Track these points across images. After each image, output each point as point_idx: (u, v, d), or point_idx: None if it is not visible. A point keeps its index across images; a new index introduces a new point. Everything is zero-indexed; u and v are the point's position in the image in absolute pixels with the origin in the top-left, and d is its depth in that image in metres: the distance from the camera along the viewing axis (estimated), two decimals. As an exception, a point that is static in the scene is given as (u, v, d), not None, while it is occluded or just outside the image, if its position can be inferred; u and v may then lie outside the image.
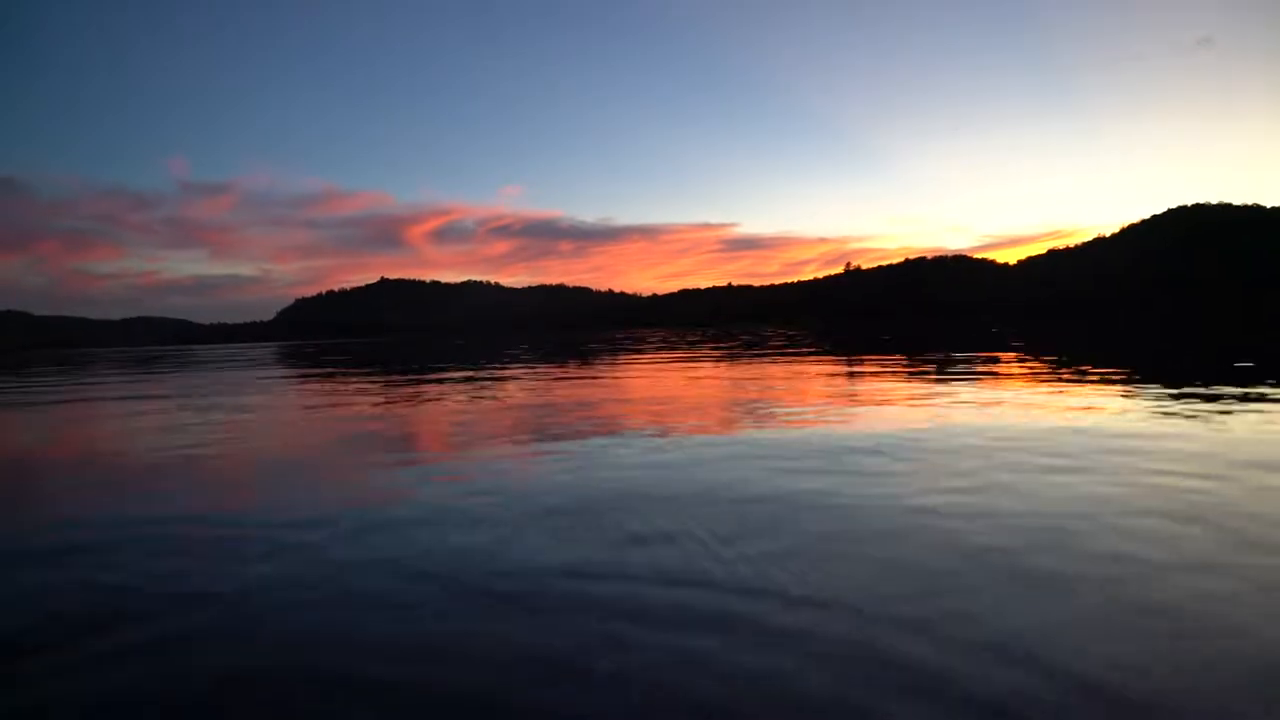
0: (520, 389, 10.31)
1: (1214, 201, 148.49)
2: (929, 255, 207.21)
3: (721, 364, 14.79)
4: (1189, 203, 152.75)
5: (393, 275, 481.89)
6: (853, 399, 7.53)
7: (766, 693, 1.73)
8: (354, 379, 14.33)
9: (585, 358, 19.86)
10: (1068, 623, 2.03)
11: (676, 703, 1.70)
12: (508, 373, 14.26)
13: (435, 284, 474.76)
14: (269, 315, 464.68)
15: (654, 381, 11.03)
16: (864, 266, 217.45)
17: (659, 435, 5.52)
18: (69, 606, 2.43)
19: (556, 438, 5.56)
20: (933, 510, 3.16)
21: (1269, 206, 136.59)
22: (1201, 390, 6.99)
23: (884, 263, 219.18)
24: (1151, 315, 51.18)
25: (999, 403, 6.73)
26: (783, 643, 1.96)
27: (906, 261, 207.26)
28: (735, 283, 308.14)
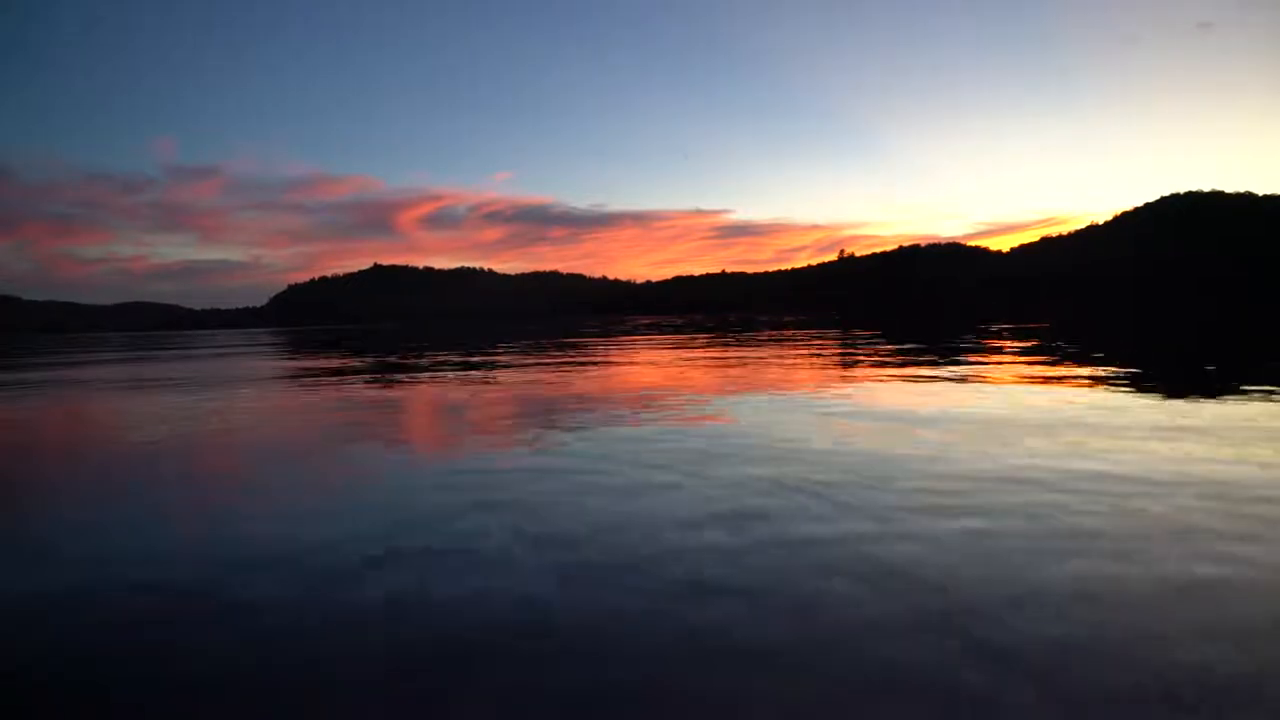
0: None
1: (1207, 189, 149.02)
2: (923, 242, 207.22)
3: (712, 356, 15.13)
4: (1182, 190, 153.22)
5: (385, 261, 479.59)
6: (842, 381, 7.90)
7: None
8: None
9: (611, 350, 20.16)
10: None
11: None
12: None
13: (429, 270, 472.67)
14: (261, 301, 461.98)
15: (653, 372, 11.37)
16: (858, 254, 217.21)
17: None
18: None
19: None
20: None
21: (1261, 194, 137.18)
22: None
23: (878, 250, 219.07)
24: (1145, 303, 51.71)
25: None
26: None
27: (901, 249, 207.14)
28: (729, 269, 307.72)
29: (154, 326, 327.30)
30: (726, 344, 17.38)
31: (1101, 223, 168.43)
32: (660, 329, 34.27)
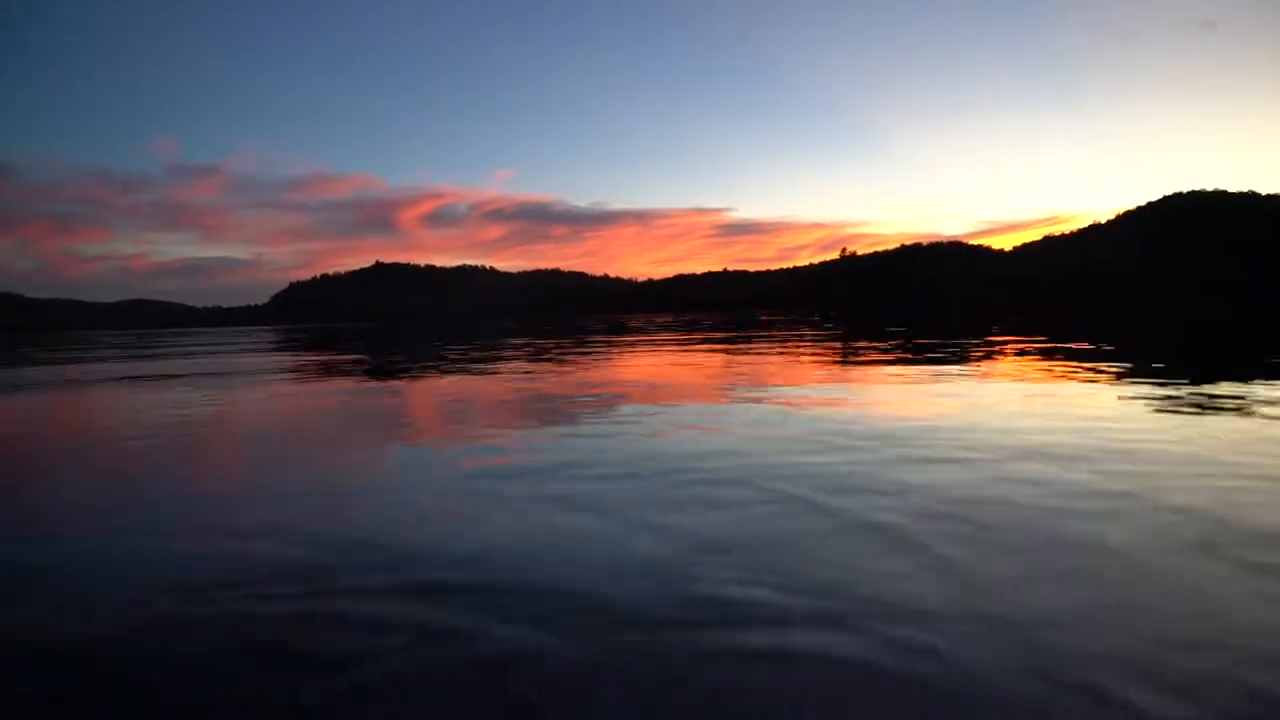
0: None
1: (1210, 188, 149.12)
2: (925, 241, 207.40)
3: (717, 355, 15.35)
4: (1185, 189, 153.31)
5: (386, 259, 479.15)
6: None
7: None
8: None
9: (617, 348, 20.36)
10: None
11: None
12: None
13: (430, 268, 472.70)
14: (263, 299, 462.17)
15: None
16: (860, 252, 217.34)
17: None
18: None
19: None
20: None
21: (1264, 194, 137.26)
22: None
23: (880, 248, 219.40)
24: (1147, 301, 51.87)
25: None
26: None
27: (903, 248, 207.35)
28: (731, 268, 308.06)
29: (157, 324, 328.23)
30: (760, 350, 17.57)
31: (1104, 221, 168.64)
32: (680, 330, 34.45)
